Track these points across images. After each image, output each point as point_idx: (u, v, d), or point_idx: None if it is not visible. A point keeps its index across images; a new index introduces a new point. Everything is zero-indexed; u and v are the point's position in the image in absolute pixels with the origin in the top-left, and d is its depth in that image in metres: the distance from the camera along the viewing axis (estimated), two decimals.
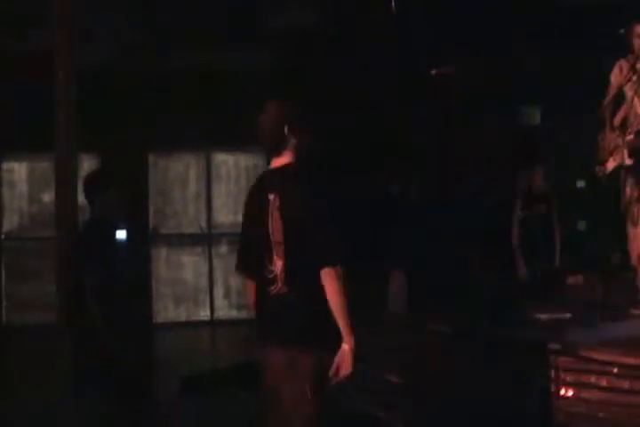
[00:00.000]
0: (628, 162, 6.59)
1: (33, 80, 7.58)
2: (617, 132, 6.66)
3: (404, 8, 9.07)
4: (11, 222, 11.53)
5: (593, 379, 5.01)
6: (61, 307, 5.86)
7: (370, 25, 9.37)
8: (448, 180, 9.54)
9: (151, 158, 11.39)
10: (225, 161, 11.66)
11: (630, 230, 6.63)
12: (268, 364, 4.15)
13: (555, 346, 5.23)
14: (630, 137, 6.59)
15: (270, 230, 4.09)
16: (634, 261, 6.57)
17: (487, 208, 8.98)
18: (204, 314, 11.75)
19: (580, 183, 9.68)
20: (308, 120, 4.24)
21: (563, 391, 5.14)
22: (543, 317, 6.12)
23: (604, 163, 6.71)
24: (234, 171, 11.70)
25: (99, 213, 5.65)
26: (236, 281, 11.07)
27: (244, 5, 9.09)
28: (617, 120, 6.71)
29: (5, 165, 11.42)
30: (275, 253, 4.10)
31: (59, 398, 5.81)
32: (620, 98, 6.76)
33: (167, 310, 11.81)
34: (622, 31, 6.64)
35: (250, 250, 4.27)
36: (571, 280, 7.92)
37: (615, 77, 6.72)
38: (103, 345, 5.25)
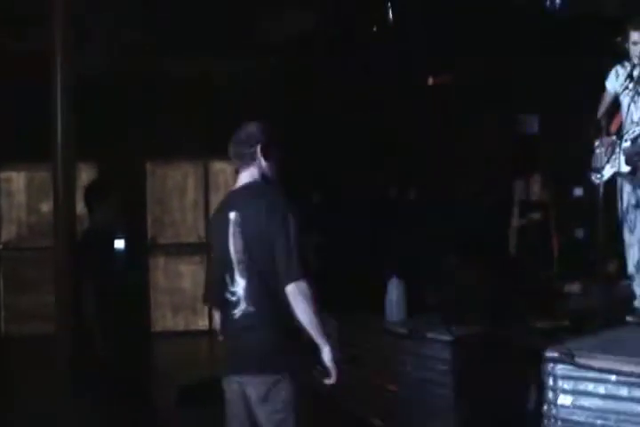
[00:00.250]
0: (625, 169, 6.60)
1: (30, 89, 7.59)
2: (613, 140, 6.67)
3: (402, 11, 9.12)
4: (9, 232, 11.53)
5: (591, 387, 5.02)
6: (60, 317, 5.85)
7: (369, 27, 9.39)
8: (447, 182, 9.55)
9: (149, 167, 11.40)
10: (223, 170, 11.66)
11: (627, 238, 6.63)
12: (243, 395, 4.01)
13: (552, 354, 5.23)
14: (627, 144, 6.60)
15: (232, 249, 4.04)
16: (631, 268, 6.58)
17: (486, 211, 8.98)
18: (203, 323, 11.74)
19: (578, 191, 9.69)
20: (281, 144, 4.26)
21: (561, 399, 5.15)
22: (541, 325, 6.13)
23: (600, 170, 6.72)
24: (232, 180, 11.68)
25: (97, 223, 5.67)
26: None
27: (241, 13, 9.10)
28: (613, 127, 6.72)
29: (3, 175, 11.43)
30: (237, 272, 4.03)
31: (57, 405, 5.80)
32: (616, 105, 6.78)
33: (165, 319, 11.81)
34: (619, 38, 6.66)
35: (214, 275, 4.20)
36: (568, 288, 7.92)
37: (611, 84, 6.74)
38: (101, 354, 5.25)
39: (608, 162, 6.68)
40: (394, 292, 7.30)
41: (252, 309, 3.99)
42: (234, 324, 4.05)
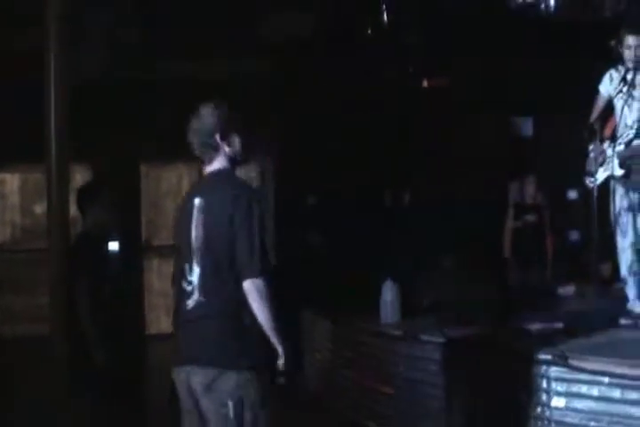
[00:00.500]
0: (619, 173, 6.63)
1: (24, 90, 7.57)
2: (607, 143, 6.69)
3: (398, 12, 9.13)
4: (3, 234, 11.51)
5: (584, 389, 5.03)
6: (54, 319, 5.84)
7: (366, 28, 9.40)
8: (443, 184, 9.57)
9: (143, 169, 11.39)
10: None
11: (619, 241, 6.65)
12: (189, 386, 3.88)
13: (546, 356, 5.24)
14: (620, 148, 6.62)
15: (192, 236, 3.89)
16: (623, 271, 6.59)
17: (481, 213, 8.99)
18: None
19: (572, 193, 9.72)
20: (244, 124, 4.07)
21: (554, 401, 5.16)
22: (534, 326, 6.14)
23: (594, 174, 6.74)
24: None
25: (91, 225, 5.65)
26: None
27: (239, 15, 9.10)
28: (607, 131, 6.74)
29: None
30: (194, 261, 3.87)
31: (54, 406, 5.80)
32: (610, 108, 6.80)
33: (160, 322, 11.78)
34: (613, 42, 6.68)
35: (176, 264, 4.04)
36: (562, 290, 7.94)
37: (605, 88, 6.76)
38: (96, 357, 5.25)
39: (602, 165, 6.70)
40: (388, 294, 7.31)
41: (203, 299, 3.83)
42: (186, 314, 3.90)
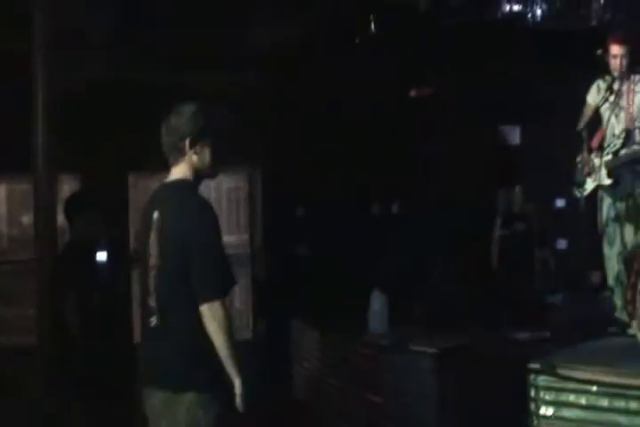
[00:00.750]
0: (606, 182, 6.65)
1: (10, 99, 7.54)
2: (595, 153, 6.72)
3: (386, 23, 9.16)
4: None
5: (572, 398, 5.03)
6: (41, 330, 5.82)
7: (354, 38, 9.42)
8: (431, 194, 9.58)
9: (131, 179, 11.36)
10: (206, 183, 11.63)
11: (606, 250, 6.66)
12: (148, 405, 3.79)
13: (534, 365, 5.24)
14: (608, 157, 6.65)
15: (150, 252, 3.67)
16: (611, 280, 6.61)
17: (470, 222, 9.01)
18: None
19: (560, 202, 9.74)
20: (215, 134, 3.80)
21: (543, 410, 5.16)
22: (522, 336, 6.15)
23: (582, 184, 6.77)
24: (215, 193, 11.70)
25: (79, 235, 5.64)
26: None
27: (224, 28, 9.11)
28: (595, 141, 6.76)
29: None
30: (151, 278, 3.66)
31: (41, 415, 5.77)
32: (597, 118, 6.83)
33: None
34: (599, 52, 6.71)
35: (140, 280, 3.85)
36: (550, 299, 7.96)
37: (592, 98, 6.79)
38: (83, 367, 5.23)
39: (590, 175, 6.73)
40: (376, 304, 7.31)
41: (161, 319, 3.64)
42: (146, 332, 3.75)
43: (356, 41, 9.36)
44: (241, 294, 10.06)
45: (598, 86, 6.76)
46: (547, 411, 5.12)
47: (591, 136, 6.80)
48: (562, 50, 8.88)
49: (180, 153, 3.75)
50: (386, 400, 6.64)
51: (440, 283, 7.89)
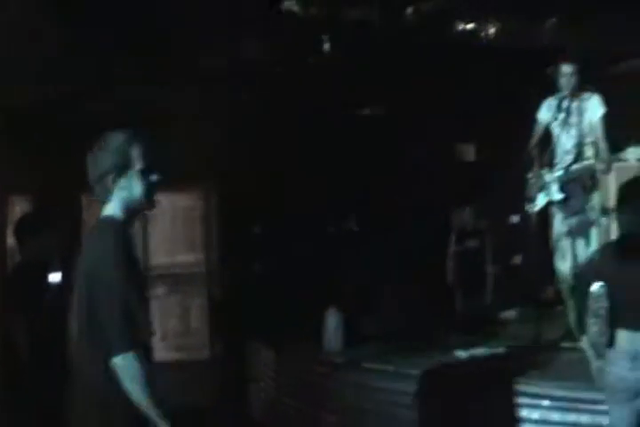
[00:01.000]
0: (557, 198, 6.74)
1: None
2: (546, 169, 6.81)
3: (337, 42, 9.21)
4: None
5: (524, 412, 5.05)
6: None
7: (306, 57, 9.45)
8: (386, 211, 9.60)
9: (84, 200, 11.27)
10: (159, 202, 11.57)
11: (559, 265, 6.73)
12: None
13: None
14: (559, 173, 6.74)
15: (74, 301, 3.37)
16: (564, 295, 6.66)
17: (425, 239, 9.04)
18: None
19: (515, 218, 9.81)
20: (158, 161, 3.43)
21: None
22: (475, 352, 6.17)
23: (533, 200, 6.85)
24: (170, 212, 11.65)
25: (30, 257, 5.57)
26: (174, 322, 10.97)
27: (181, 44, 9.07)
28: (545, 157, 6.86)
29: None
30: (73, 325, 3.38)
31: None
32: (548, 135, 6.92)
33: None
34: (549, 70, 6.81)
35: None
36: (504, 315, 8.00)
37: (543, 115, 6.89)
38: (33, 390, 5.16)
39: (541, 191, 6.81)
40: (332, 322, 7.30)
41: (76, 367, 3.41)
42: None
43: (311, 60, 9.39)
44: (197, 314, 10.01)
45: (549, 104, 6.86)
46: None
47: (542, 153, 6.90)
48: (514, 68, 8.99)
49: (105, 190, 3.40)
50: (341, 419, 6.61)
51: (395, 300, 7.89)
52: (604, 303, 4.14)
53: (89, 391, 3.35)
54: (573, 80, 6.67)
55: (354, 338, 7.29)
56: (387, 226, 9.44)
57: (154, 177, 3.45)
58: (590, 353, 4.29)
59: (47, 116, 8.93)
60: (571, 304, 6.55)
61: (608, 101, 6.71)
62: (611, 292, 4.15)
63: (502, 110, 9.33)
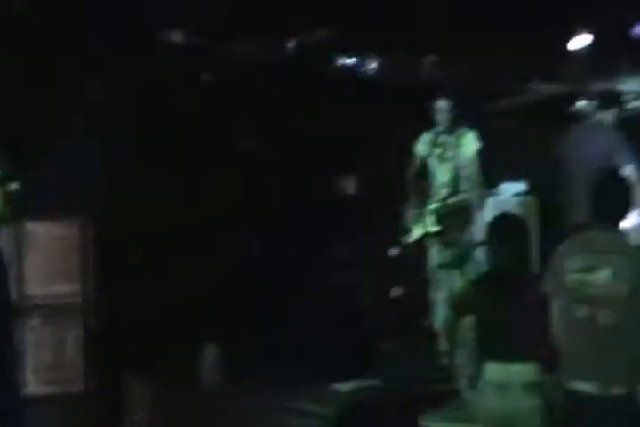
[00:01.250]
0: (433, 229, 6.87)
1: None
2: (422, 201, 6.94)
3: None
4: None
5: None
6: None
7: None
8: (262, 246, 9.56)
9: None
10: (34, 230, 11.28)
11: (435, 296, 6.83)
12: None
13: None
14: (435, 205, 6.87)
15: None
16: (437, 325, 6.76)
17: (304, 271, 9.03)
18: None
19: (393, 251, 9.91)
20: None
21: None
22: (352, 385, 6.18)
23: (410, 231, 6.96)
24: (46, 240, 11.35)
25: None
26: (46, 355, 10.64)
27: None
28: (422, 190, 7.00)
29: None
30: None
31: None
32: (424, 169, 7.06)
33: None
34: (428, 105, 6.96)
35: None
36: (382, 346, 8.02)
37: (420, 149, 7.05)
38: None
39: (417, 223, 6.93)
40: (209, 356, 7.23)
41: None
42: None
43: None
44: (73, 345, 9.75)
45: (425, 139, 7.02)
46: None
47: (419, 185, 7.04)
48: (394, 102, 9.12)
49: None
50: None
51: (271, 334, 7.84)
52: (474, 335, 4.22)
53: None
54: (449, 116, 6.84)
55: (231, 371, 7.22)
56: (262, 260, 9.39)
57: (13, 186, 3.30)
58: (462, 384, 4.35)
59: None
60: (443, 335, 6.66)
61: (484, 137, 6.89)
62: (480, 324, 4.23)
63: (382, 144, 9.45)
